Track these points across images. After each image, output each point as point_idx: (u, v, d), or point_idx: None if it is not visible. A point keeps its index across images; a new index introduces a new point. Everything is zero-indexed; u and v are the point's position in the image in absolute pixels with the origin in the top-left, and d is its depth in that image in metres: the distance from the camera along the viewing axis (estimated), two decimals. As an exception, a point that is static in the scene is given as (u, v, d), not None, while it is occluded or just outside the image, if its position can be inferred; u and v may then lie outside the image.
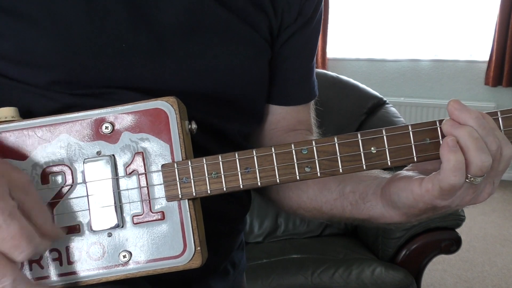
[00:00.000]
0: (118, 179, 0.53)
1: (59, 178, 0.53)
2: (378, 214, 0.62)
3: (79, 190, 0.53)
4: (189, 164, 0.53)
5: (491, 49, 3.62)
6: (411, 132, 0.53)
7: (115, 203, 0.52)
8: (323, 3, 0.75)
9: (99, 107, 0.54)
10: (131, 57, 0.60)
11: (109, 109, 0.53)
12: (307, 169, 0.53)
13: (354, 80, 2.20)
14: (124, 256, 0.52)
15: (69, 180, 0.53)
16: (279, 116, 0.76)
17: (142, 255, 0.52)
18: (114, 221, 0.52)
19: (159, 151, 0.53)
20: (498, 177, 0.54)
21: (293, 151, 0.53)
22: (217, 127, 0.67)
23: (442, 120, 0.53)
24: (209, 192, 0.53)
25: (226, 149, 0.55)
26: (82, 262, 0.52)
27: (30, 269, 0.52)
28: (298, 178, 0.53)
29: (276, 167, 0.53)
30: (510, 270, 2.57)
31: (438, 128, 0.53)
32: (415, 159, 0.53)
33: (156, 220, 0.53)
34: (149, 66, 0.61)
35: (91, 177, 0.52)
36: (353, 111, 2.06)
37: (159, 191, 0.53)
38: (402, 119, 2.03)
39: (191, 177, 0.53)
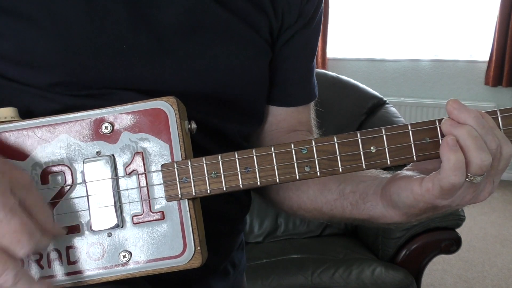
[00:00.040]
0: (118, 179, 0.53)
1: (59, 178, 0.53)
2: (378, 214, 0.62)
3: (79, 190, 0.53)
4: (189, 164, 0.53)
5: (491, 49, 3.62)
6: (410, 131, 0.53)
7: (115, 203, 0.52)
8: (323, 3, 0.75)
9: (99, 108, 0.54)
10: (131, 57, 0.60)
11: (108, 109, 0.53)
12: (306, 169, 0.53)
13: (354, 80, 2.20)
14: (124, 256, 0.52)
15: (69, 180, 0.53)
16: (280, 117, 0.76)
17: (142, 255, 0.52)
18: (114, 221, 0.52)
19: (158, 151, 0.53)
20: (498, 176, 0.54)
21: (293, 150, 0.53)
22: (217, 128, 0.67)
23: (442, 119, 0.53)
24: (209, 191, 0.53)
25: (226, 150, 0.55)
26: (82, 262, 0.52)
27: (30, 270, 0.52)
28: (297, 177, 0.53)
29: (275, 166, 0.53)
30: (510, 270, 2.57)
31: (438, 127, 0.53)
32: (415, 158, 0.53)
33: (156, 220, 0.53)
34: (149, 66, 0.61)
35: (91, 177, 0.52)
36: (353, 111, 2.06)
37: (159, 191, 0.53)
38: (402, 119, 2.03)
39: (191, 177, 0.53)
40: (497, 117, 0.54)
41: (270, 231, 1.97)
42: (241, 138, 0.71)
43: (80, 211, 0.53)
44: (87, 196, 0.52)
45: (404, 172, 0.58)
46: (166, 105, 0.53)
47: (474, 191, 0.54)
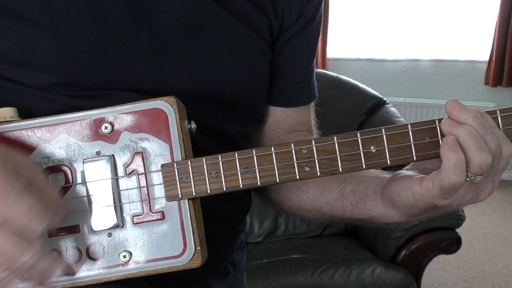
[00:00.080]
0: (118, 179, 0.53)
1: (59, 178, 0.53)
2: (378, 214, 0.62)
3: (78, 190, 0.53)
4: (189, 164, 0.53)
5: (491, 49, 3.62)
6: (410, 131, 0.53)
7: (115, 203, 0.52)
8: (323, 3, 0.75)
9: (99, 108, 0.54)
10: (132, 57, 0.60)
11: (108, 109, 0.53)
12: (306, 169, 0.53)
13: (354, 80, 2.20)
14: (124, 256, 0.52)
15: (68, 180, 0.53)
16: (280, 117, 0.76)
17: (142, 255, 0.52)
18: (114, 221, 0.52)
19: (158, 151, 0.53)
20: (498, 175, 0.54)
21: (293, 150, 0.53)
22: (217, 128, 0.67)
23: (442, 119, 0.53)
24: (209, 191, 0.53)
25: (226, 150, 0.55)
26: (83, 262, 0.52)
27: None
28: (297, 177, 0.53)
29: (275, 166, 0.53)
30: (510, 270, 2.57)
31: (438, 127, 0.53)
32: (415, 158, 0.53)
33: (156, 220, 0.53)
34: (149, 66, 0.61)
35: (91, 177, 0.52)
36: (353, 111, 2.06)
37: (159, 191, 0.53)
38: (402, 119, 2.03)
39: (191, 177, 0.53)
40: (497, 116, 0.54)
41: (270, 231, 1.97)
42: (241, 138, 0.71)
43: (80, 211, 0.53)
44: (87, 196, 0.52)
45: (404, 172, 0.58)
46: (166, 105, 0.53)
47: (474, 191, 0.54)
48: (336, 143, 0.53)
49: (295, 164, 0.53)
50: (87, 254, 0.52)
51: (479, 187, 0.54)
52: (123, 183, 0.53)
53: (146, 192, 0.53)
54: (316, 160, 0.53)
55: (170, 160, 0.53)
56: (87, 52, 0.58)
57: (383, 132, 0.53)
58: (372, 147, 0.53)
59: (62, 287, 0.52)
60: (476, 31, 3.78)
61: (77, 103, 0.59)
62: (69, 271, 0.52)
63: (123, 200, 0.53)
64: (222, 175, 0.53)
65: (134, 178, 0.53)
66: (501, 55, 3.57)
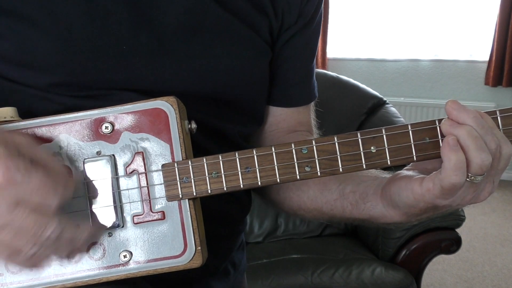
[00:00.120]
0: (118, 179, 0.53)
1: (60, 178, 0.53)
2: (378, 214, 0.62)
3: (79, 190, 0.53)
4: (190, 163, 0.53)
5: (491, 49, 3.62)
6: (410, 131, 0.53)
7: (115, 203, 0.52)
8: (323, 3, 0.75)
9: (99, 108, 0.54)
10: (132, 57, 0.60)
11: (108, 109, 0.53)
12: (307, 169, 0.53)
13: (354, 80, 2.20)
14: (125, 256, 0.52)
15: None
16: (280, 117, 0.76)
17: (143, 255, 0.52)
18: (114, 221, 0.52)
19: (159, 151, 0.53)
20: (498, 176, 0.55)
21: (293, 150, 0.53)
22: (217, 128, 0.67)
23: (442, 119, 0.53)
24: (209, 191, 0.53)
25: (225, 150, 0.55)
26: (83, 262, 0.52)
27: (31, 270, 0.52)
28: (298, 177, 0.53)
29: (276, 166, 0.53)
30: (510, 270, 2.57)
31: (438, 127, 0.53)
32: (415, 158, 0.53)
33: (156, 220, 0.53)
34: (149, 66, 0.61)
35: (91, 177, 0.52)
36: (353, 111, 2.06)
37: (160, 191, 0.53)
38: (402, 119, 2.03)
39: (192, 177, 0.53)
40: (497, 117, 0.54)
41: (270, 231, 1.97)
42: (241, 139, 0.71)
43: (81, 211, 0.53)
44: (87, 196, 0.52)
45: (404, 172, 0.58)
46: (166, 105, 0.53)
47: (474, 191, 0.54)
48: (336, 143, 0.53)
49: (296, 164, 0.53)
50: (87, 254, 0.52)
51: (479, 188, 0.54)
52: (124, 183, 0.53)
53: (147, 192, 0.53)
54: (316, 160, 0.53)
55: (170, 160, 0.53)
56: (87, 52, 0.58)
57: (383, 132, 0.53)
58: (372, 147, 0.53)
59: (63, 287, 0.52)
60: (476, 31, 3.78)
61: (77, 103, 0.59)
62: (97, 235, 0.52)
63: (124, 200, 0.53)
64: (223, 175, 0.53)
65: (134, 178, 0.53)
66: (501, 55, 3.57)
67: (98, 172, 0.52)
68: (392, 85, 4.00)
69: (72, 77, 0.59)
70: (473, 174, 0.51)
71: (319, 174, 0.53)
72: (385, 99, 2.13)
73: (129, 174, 0.53)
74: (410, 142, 0.53)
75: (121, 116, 0.53)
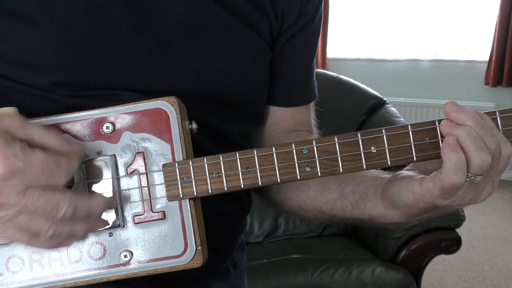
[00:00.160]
0: (119, 179, 0.53)
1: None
2: (378, 214, 0.62)
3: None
4: (190, 163, 0.53)
5: (491, 49, 3.62)
6: (410, 132, 0.53)
7: (115, 203, 0.52)
8: (323, 3, 0.75)
9: (100, 108, 0.54)
10: (132, 57, 0.60)
11: (109, 109, 0.53)
12: (307, 169, 0.53)
13: (354, 80, 2.20)
14: (125, 256, 0.52)
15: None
16: (280, 117, 0.76)
17: (143, 255, 0.52)
18: (114, 220, 0.52)
19: (160, 151, 0.53)
20: (498, 176, 0.55)
21: (294, 150, 0.53)
22: (217, 128, 0.67)
23: (442, 119, 0.53)
24: (210, 191, 0.53)
25: (226, 150, 0.55)
26: (83, 262, 0.52)
27: (31, 269, 0.52)
28: (298, 177, 0.53)
29: (276, 166, 0.53)
30: (510, 270, 2.57)
31: (437, 128, 0.53)
32: (415, 159, 0.53)
33: (157, 219, 0.53)
34: (150, 66, 0.61)
35: (92, 177, 0.52)
36: (353, 111, 2.06)
37: (160, 191, 0.53)
38: (402, 119, 2.03)
39: (192, 177, 0.53)
40: (496, 117, 0.54)
41: (270, 231, 1.97)
42: (241, 139, 0.72)
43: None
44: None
45: (404, 172, 0.58)
46: (167, 105, 0.53)
47: (474, 191, 0.54)
48: (337, 144, 0.53)
49: (296, 164, 0.53)
50: (88, 254, 0.52)
51: (479, 188, 0.54)
52: (124, 182, 0.53)
53: (147, 192, 0.53)
54: (317, 160, 0.53)
55: (171, 160, 0.53)
56: (87, 52, 0.58)
57: (384, 133, 0.53)
58: (372, 148, 0.53)
59: (63, 286, 0.52)
60: (476, 31, 3.78)
61: (77, 103, 0.59)
62: (113, 203, 0.52)
63: (124, 200, 0.53)
64: (223, 175, 0.53)
65: (135, 178, 0.53)
66: (501, 55, 3.57)
67: (98, 172, 0.52)
68: (392, 85, 4.00)
69: (72, 77, 0.59)
70: (473, 174, 0.51)
71: (319, 174, 0.53)
72: (385, 99, 2.13)
73: (129, 174, 0.53)
74: (410, 143, 0.53)
75: (122, 116, 0.53)
